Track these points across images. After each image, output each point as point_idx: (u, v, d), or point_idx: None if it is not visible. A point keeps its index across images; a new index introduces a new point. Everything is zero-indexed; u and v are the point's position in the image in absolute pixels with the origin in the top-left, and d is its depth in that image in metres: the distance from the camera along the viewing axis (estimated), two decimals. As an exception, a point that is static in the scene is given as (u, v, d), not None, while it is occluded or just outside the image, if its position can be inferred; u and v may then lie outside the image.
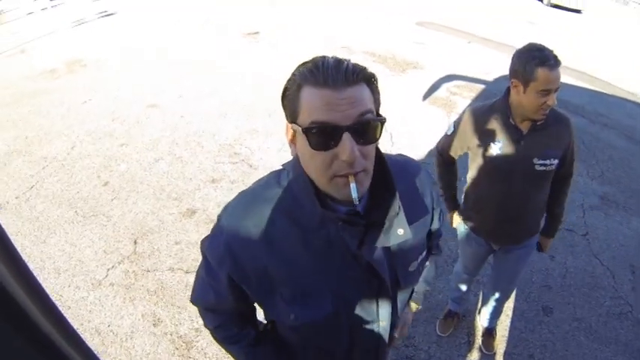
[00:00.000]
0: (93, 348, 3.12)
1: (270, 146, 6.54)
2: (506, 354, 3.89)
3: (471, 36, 12.89)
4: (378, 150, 1.36)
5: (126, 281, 4.35)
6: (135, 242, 4.80)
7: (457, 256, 4.66)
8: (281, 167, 1.48)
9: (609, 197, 5.96)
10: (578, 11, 20.68)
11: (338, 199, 1.31)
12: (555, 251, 4.85)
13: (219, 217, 1.47)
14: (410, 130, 7.11)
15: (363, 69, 1.24)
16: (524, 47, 2.56)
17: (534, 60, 2.43)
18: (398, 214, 1.37)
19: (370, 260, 1.38)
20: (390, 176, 1.39)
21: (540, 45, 2.51)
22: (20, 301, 0.60)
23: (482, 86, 9.06)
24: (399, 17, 14.41)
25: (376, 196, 1.40)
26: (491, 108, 2.82)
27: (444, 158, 3.20)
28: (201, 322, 3.79)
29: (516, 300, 4.30)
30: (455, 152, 3.06)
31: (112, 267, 4.50)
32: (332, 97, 1.18)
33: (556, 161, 2.72)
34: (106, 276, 4.40)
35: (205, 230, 4.84)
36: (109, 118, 7.40)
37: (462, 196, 3.30)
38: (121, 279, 4.37)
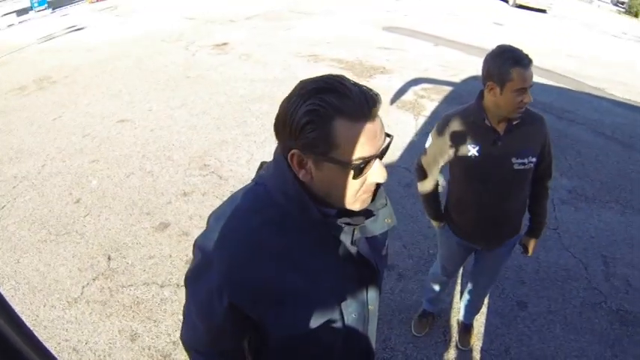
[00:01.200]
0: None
1: (239, 157, 6.60)
2: (482, 350, 3.95)
3: (438, 38, 13.05)
4: None
5: (101, 298, 4.35)
6: (109, 258, 4.81)
7: (429, 257, 4.76)
8: (254, 183, 1.48)
9: (578, 191, 6.11)
10: (543, 11, 21.00)
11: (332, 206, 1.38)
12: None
13: (205, 250, 1.42)
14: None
15: (377, 93, 1.28)
16: (495, 49, 2.65)
17: (508, 61, 2.51)
18: (385, 205, 1.50)
19: (363, 252, 1.47)
20: None
21: (511, 46, 2.60)
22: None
23: (450, 88, 9.19)
24: (365, 23, 14.51)
25: None
26: (465, 112, 2.89)
27: (425, 173, 3.24)
28: (178, 334, 3.84)
29: (491, 296, 4.36)
30: (436, 162, 3.10)
31: (87, 284, 4.50)
32: (371, 130, 1.23)
33: (534, 159, 2.80)
34: (82, 293, 4.40)
35: (178, 243, 4.93)
36: (79, 135, 7.39)
37: (444, 199, 3.36)
38: (96, 296, 4.37)
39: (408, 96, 8.82)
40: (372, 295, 1.60)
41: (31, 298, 4.36)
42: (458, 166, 3.00)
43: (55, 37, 13.70)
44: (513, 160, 2.76)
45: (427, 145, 3.10)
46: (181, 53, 11.55)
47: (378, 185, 1.41)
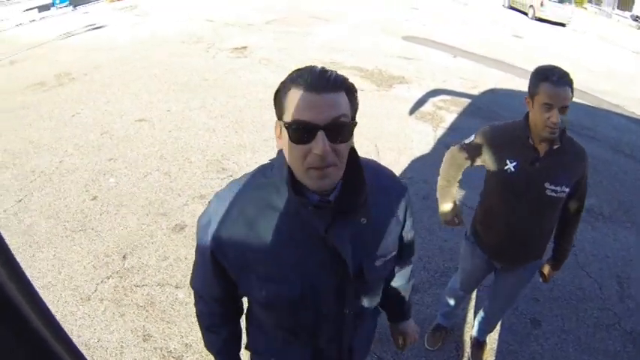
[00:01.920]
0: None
1: (257, 161, 6.38)
2: (495, 366, 3.91)
3: (456, 50, 13.03)
4: (353, 150, 1.57)
5: (115, 296, 4.34)
6: (124, 257, 4.80)
7: (444, 271, 4.73)
8: (269, 161, 1.67)
9: (595, 209, 6.05)
10: (562, 24, 20.93)
11: (312, 189, 1.49)
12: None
13: (210, 202, 1.66)
14: (397, 145, 7.19)
15: (345, 79, 1.44)
16: (537, 67, 2.66)
17: (540, 76, 2.55)
18: (363, 204, 1.55)
19: (336, 244, 1.52)
20: (361, 171, 1.56)
21: (553, 65, 2.60)
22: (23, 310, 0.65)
23: (469, 100, 9.16)
24: (384, 31, 14.49)
25: (348, 189, 1.57)
26: (512, 125, 2.88)
27: (455, 160, 3.25)
28: (191, 337, 3.86)
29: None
30: (469, 160, 3.10)
31: (101, 282, 4.50)
32: (313, 99, 1.36)
33: (567, 190, 2.77)
34: (95, 291, 4.39)
35: (194, 246, 4.84)
36: (97, 132, 7.40)
37: (475, 211, 3.37)
38: (110, 294, 4.36)
39: (427, 107, 8.80)
40: (349, 300, 1.68)
41: (44, 293, 4.33)
42: (492, 177, 2.99)
43: (75, 35, 13.74)
44: (547, 184, 2.74)
45: (468, 141, 3.08)
46: (201, 55, 11.57)
47: (359, 180, 1.55)
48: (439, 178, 3.45)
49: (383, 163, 5.31)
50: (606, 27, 22.19)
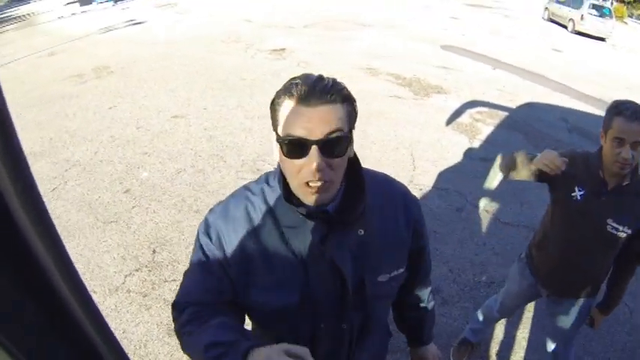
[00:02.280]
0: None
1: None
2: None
3: (495, 61, 12.88)
4: (357, 161, 1.55)
5: (143, 289, 4.34)
6: (154, 251, 4.80)
7: (474, 285, 4.64)
8: (274, 169, 1.60)
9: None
10: (602, 39, 20.66)
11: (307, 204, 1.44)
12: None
13: (213, 207, 1.62)
14: (432, 156, 7.09)
15: (340, 89, 1.37)
16: (613, 100, 2.59)
17: (614, 110, 2.48)
18: (361, 215, 1.50)
19: (333, 256, 1.48)
20: (361, 183, 1.52)
21: (629, 100, 2.53)
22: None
23: (506, 113, 9.03)
24: (423, 40, 14.42)
25: (348, 200, 1.53)
26: (588, 154, 2.80)
27: (523, 163, 3.12)
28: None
29: (532, 331, 4.23)
30: (538, 169, 2.98)
31: (130, 274, 4.50)
32: (307, 112, 1.32)
33: (629, 231, 2.65)
34: (123, 282, 4.40)
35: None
36: (133, 126, 7.45)
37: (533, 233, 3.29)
38: (138, 287, 4.36)
39: (464, 118, 8.69)
40: (349, 313, 1.61)
41: None
42: (558, 202, 2.91)
43: (114, 29, 13.93)
44: (609, 220, 2.65)
45: (540, 153, 2.99)
46: (240, 55, 11.60)
47: (360, 195, 1.51)
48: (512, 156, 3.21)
49: (418, 172, 5.30)
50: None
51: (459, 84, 10.57)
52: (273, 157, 1.47)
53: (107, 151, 6.68)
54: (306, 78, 1.36)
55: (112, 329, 0.74)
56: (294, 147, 1.34)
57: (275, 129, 1.42)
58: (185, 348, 1.56)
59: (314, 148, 1.31)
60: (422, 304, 2.07)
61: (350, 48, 12.81)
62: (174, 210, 5.43)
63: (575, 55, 15.81)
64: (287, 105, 1.34)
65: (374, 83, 10.00)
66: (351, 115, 1.41)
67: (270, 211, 1.51)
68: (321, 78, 1.37)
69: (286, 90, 1.35)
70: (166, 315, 4.07)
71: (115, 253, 4.76)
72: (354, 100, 1.43)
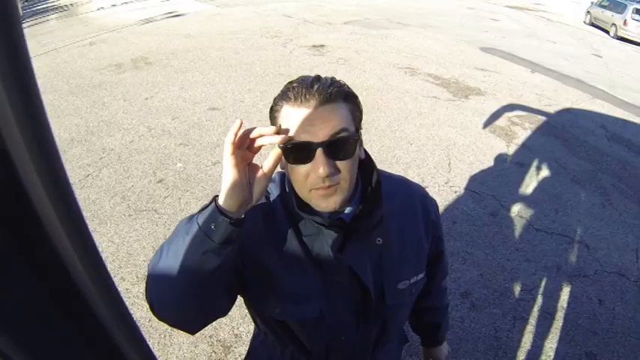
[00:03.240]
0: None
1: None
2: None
3: (534, 65, 12.69)
4: (371, 164, 1.47)
5: (172, 280, 4.32)
6: (184, 242, 4.77)
7: (503, 291, 4.57)
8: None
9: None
10: (644, 45, 20.29)
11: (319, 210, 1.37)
12: (605, 296, 4.66)
13: None
14: (469, 158, 7.00)
15: (340, 87, 1.31)
16: None
17: None
18: (379, 222, 1.43)
19: (352, 265, 1.43)
20: (379, 189, 1.44)
21: None
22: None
23: (544, 118, 8.88)
24: (462, 41, 14.31)
25: (365, 207, 1.44)
26: None
27: None
28: (242, 328, 3.79)
29: (560, 342, 4.12)
30: None
31: (159, 264, 4.48)
32: (307, 115, 1.25)
33: None
34: (153, 272, 4.39)
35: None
36: (169, 117, 7.48)
37: None
38: (167, 277, 4.34)
39: (502, 122, 8.56)
40: (367, 322, 1.56)
41: None
42: None
43: (154, 21, 14.06)
44: None
45: None
46: (278, 50, 11.59)
47: (377, 200, 1.43)
48: None
49: (453, 174, 5.25)
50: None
51: (497, 87, 10.44)
52: (280, 165, 1.39)
53: (142, 140, 6.71)
54: (302, 80, 1.31)
55: (144, 336, 0.70)
56: (298, 152, 1.27)
57: None
58: (154, 283, 1.34)
59: (319, 152, 1.25)
60: (439, 307, 2.04)
61: (389, 47, 12.72)
62: (206, 201, 5.37)
63: (617, 61, 15.54)
64: (286, 110, 1.30)
65: (412, 83, 9.92)
66: (355, 114, 1.35)
67: (291, 218, 1.44)
68: (318, 78, 1.32)
69: (283, 95, 1.32)
70: (194, 306, 4.06)
71: (145, 242, 4.76)
72: (357, 97, 1.38)
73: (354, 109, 1.34)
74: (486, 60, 12.56)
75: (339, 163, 1.28)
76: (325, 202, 1.32)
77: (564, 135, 8.20)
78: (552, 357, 4.01)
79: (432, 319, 2.05)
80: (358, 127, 1.36)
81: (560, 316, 4.37)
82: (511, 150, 7.47)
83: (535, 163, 7.03)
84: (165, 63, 10.16)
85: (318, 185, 1.28)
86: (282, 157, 1.33)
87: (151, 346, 3.42)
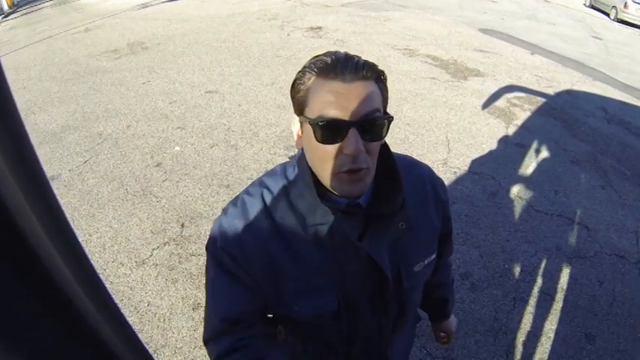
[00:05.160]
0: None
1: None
2: (545, 378, 3.73)
3: (534, 47, 12.65)
4: (386, 146, 1.38)
5: (170, 262, 4.33)
6: (182, 225, 4.78)
7: (503, 272, 4.56)
8: (288, 160, 1.47)
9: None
10: (644, 28, 20.20)
11: (341, 195, 1.30)
12: (604, 277, 4.66)
13: (226, 208, 1.44)
14: (467, 139, 6.98)
15: (374, 65, 1.23)
16: None
17: None
18: (401, 207, 1.36)
19: (371, 253, 1.35)
20: (396, 171, 1.37)
21: None
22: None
23: (544, 100, 8.84)
24: (461, 22, 14.25)
25: (380, 191, 1.40)
26: None
27: None
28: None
29: (560, 323, 4.12)
30: None
31: (157, 247, 4.49)
32: (341, 89, 1.18)
33: None
34: (151, 255, 4.40)
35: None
36: (166, 101, 7.46)
37: None
38: (165, 260, 4.35)
39: (501, 103, 8.52)
40: (386, 307, 1.50)
41: (100, 252, 4.42)
42: None
43: (150, 6, 14.04)
44: None
45: None
46: (275, 32, 11.54)
47: (395, 184, 1.36)
48: None
49: (452, 155, 5.23)
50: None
51: (496, 68, 10.39)
52: (296, 145, 1.36)
53: (140, 125, 6.70)
54: (333, 53, 1.23)
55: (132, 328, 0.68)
56: (329, 130, 1.18)
57: (301, 112, 1.27)
58: None
59: (352, 131, 1.17)
60: (445, 282, 2.02)
61: (387, 28, 12.66)
62: (204, 184, 5.41)
63: (617, 43, 15.47)
64: (316, 83, 1.21)
65: (411, 64, 9.86)
66: (385, 96, 1.28)
67: (294, 209, 1.35)
68: (350, 55, 1.22)
69: (312, 66, 1.23)
70: (192, 289, 4.08)
71: (144, 226, 4.76)
72: (386, 79, 1.28)
73: (384, 90, 1.27)
74: (485, 41, 12.51)
75: (369, 145, 1.21)
76: (351, 187, 1.24)
77: (564, 116, 8.18)
78: (552, 338, 4.01)
79: (440, 295, 2.02)
80: (385, 109, 1.29)
81: (560, 297, 4.36)
82: (510, 131, 7.44)
83: (534, 145, 7.01)
84: (162, 47, 10.13)
85: (345, 167, 1.20)
86: (300, 133, 1.32)
87: (150, 329, 3.42)
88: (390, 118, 1.25)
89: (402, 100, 7.77)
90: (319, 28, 12.05)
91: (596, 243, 5.08)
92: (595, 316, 4.25)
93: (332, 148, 1.20)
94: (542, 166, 6.46)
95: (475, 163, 6.29)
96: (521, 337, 3.98)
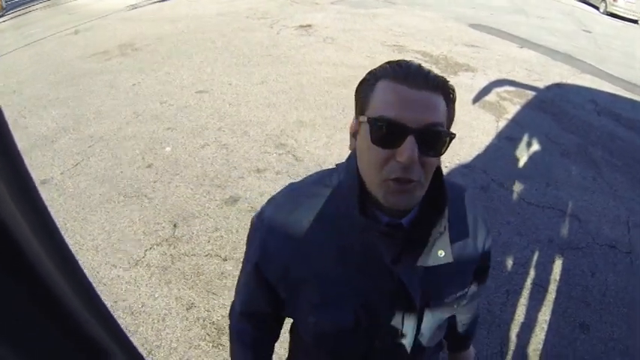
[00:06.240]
0: (124, 326, 3.10)
1: (317, 139, 6.49)
2: (539, 368, 3.75)
3: (524, 40, 12.68)
4: (439, 167, 1.30)
5: (163, 263, 4.33)
6: (174, 226, 4.78)
7: (493, 266, 4.57)
8: (334, 166, 1.42)
9: (656, 215, 5.76)
10: (635, 21, 20.21)
11: (384, 208, 1.24)
12: (596, 267, 4.70)
13: (263, 209, 1.43)
14: (458, 133, 6.91)
15: (445, 80, 1.18)
16: None
17: None
18: (442, 234, 1.28)
19: (403, 278, 1.28)
20: (443, 194, 1.30)
21: None
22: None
23: (534, 93, 8.88)
24: (450, 18, 14.27)
25: (424, 213, 1.32)
26: None
27: None
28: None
29: (553, 314, 4.16)
30: None
31: (150, 248, 4.50)
32: (408, 94, 1.13)
33: None
34: (144, 256, 4.40)
35: (246, 219, 4.83)
36: (157, 102, 7.45)
37: None
38: (158, 261, 4.36)
39: (491, 97, 8.55)
40: (408, 330, 1.40)
41: (93, 254, 4.41)
42: None
43: (140, 7, 13.99)
44: None
45: None
46: (265, 31, 11.53)
47: (440, 205, 1.29)
48: None
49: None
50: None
51: (486, 62, 10.42)
52: (349, 147, 1.32)
53: (131, 126, 6.69)
54: (407, 62, 1.19)
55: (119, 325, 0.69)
56: (387, 132, 1.13)
57: (362, 112, 1.22)
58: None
59: (410, 138, 1.10)
60: (473, 317, 1.91)
61: (377, 25, 12.67)
62: (196, 184, 5.41)
63: (606, 36, 15.50)
64: (384, 85, 1.17)
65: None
66: (451, 115, 1.23)
67: (328, 217, 1.31)
68: (422, 66, 1.18)
69: (383, 69, 1.19)
70: (186, 289, 4.09)
71: (136, 228, 4.77)
72: (455, 95, 1.23)
73: (451, 109, 1.23)
74: (475, 36, 12.54)
75: (425, 159, 1.15)
76: (397, 198, 1.18)
77: (554, 109, 8.22)
78: (546, 329, 4.04)
79: (464, 326, 1.91)
80: (449, 128, 1.24)
81: (552, 288, 4.41)
82: (501, 125, 7.48)
83: (525, 138, 7.04)
84: (152, 48, 10.10)
85: (395, 175, 1.14)
86: (357, 135, 1.27)
87: (144, 330, 3.43)
88: (452, 136, 1.19)
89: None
90: (309, 25, 12.04)
91: (588, 234, 5.12)
92: (588, 306, 4.29)
93: (385, 153, 1.15)
94: (532, 159, 6.50)
95: (466, 156, 6.31)
96: (514, 329, 4.01)
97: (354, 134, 1.30)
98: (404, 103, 1.12)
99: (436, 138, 1.15)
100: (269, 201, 1.44)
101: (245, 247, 1.49)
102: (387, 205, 1.20)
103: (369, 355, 1.43)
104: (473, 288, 1.58)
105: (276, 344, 1.71)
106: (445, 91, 1.17)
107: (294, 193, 1.42)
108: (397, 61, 1.20)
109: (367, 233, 1.25)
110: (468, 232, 1.45)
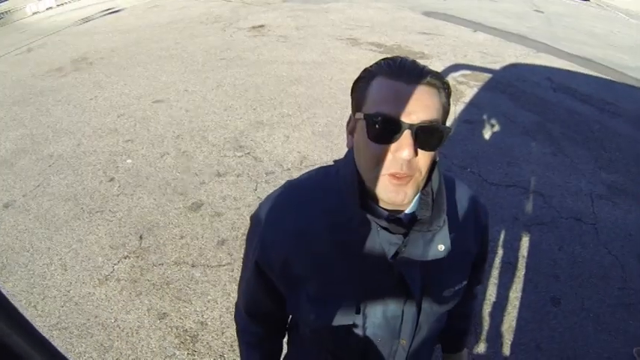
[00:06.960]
0: (98, 343, 3.13)
1: (275, 138, 6.52)
2: (513, 344, 3.81)
3: (477, 24, 12.82)
4: (436, 162, 1.33)
5: (132, 276, 4.34)
6: (140, 237, 4.79)
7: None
8: (332, 163, 1.45)
9: (617, 186, 5.87)
10: (586, -1, 20.44)
11: (383, 202, 1.27)
12: (563, 241, 4.81)
13: (261, 207, 1.46)
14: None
15: (440, 75, 1.21)
16: None
17: None
18: (441, 228, 1.30)
19: (403, 273, 1.31)
20: (441, 189, 1.32)
21: None
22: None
23: (490, 75, 8.99)
24: (403, 7, 14.35)
25: (424, 208, 1.33)
26: None
27: None
28: (206, 315, 3.83)
29: (524, 290, 4.24)
30: None
31: (118, 262, 4.50)
32: (404, 89, 1.15)
33: None
34: (113, 271, 4.40)
35: (210, 224, 4.91)
36: (114, 115, 7.41)
37: None
38: (127, 274, 4.36)
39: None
40: (406, 328, 1.43)
41: (62, 274, 4.39)
42: None
43: (92, 20, 13.83)
44: None
45: None
46: (218, 35, 11.50)
47: (438, 200, 1.31)
48: None
49: (402, 136, 5.29)
50: (635, 2, 21.58)
51: (441, 48, 10.52)
52: (346, 145, 1.35)
53: (90, 142, 6.65)
54: (402, 58, 1.21)
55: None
56: (383, 128, 1.15)
57: (359, 109, 1.24)
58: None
59: (407, 134, 1.13)
60: (468, 314, 1.96)
61: (330, 20, 12.74)
62: (159, 194, 5.42)
63: (558, 15, 15.68)
64: (379, 81, 1.19)
65: (355, 53, 9.95)
66: (446, 109, 1.24)
67: (327, 213, 1.33)
68: (417, 62, 1.21)
69: (378, 66, 1.22)
70: (157, 300, 4.10)
71: (103, 243, 4.76)
72: (450, 90, 1.26)
73: (446, 104, 1.24)
74: (429, 24, 12.64)
75: (421, 154, 1.17)
76: (394, 193, 1.20)
77: (510, 89, 8.33)
78: (518, 306, 4.13)
79: (459, 326, 1.92)
80: (445, 123, 1.25)
81: (522, 264, 4.50)
82: (459, 109, 7.56)
83: (484, 119, 7.15)
84: (106, 61, 10.02)
85: (392, 170, 1.17)
86: (354, 133, 1.29)
87: (119, 345, 3.44)
88: (448, 131, 1.21)
89: (347, 90, 7.84)
90: (262, 26, 12.04)
91: (553, 208, 5.22)
92: (557, 279, 4.40)
93: (382, 148, 1.17)
94: (492, 139, 6.60)
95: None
96: (487, 309, 4.10)
97: (351, 131, 1.32)
98: (399, 99, 1.15)
99: (432, 133, 1.17)
100: (266, 199, 1.46)
101: (245, 246, 1.53)
102: (385, 200, 1.24)
103: (369, 350, 1.45)
104: (471, 280, 1.60)
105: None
106: (440, 85, 1.20)
107: (291, 190, 1.44)
108: (392, 57, 1.23)
109: (367, 228, 1.27)
110: (466, 225, 1.48)
